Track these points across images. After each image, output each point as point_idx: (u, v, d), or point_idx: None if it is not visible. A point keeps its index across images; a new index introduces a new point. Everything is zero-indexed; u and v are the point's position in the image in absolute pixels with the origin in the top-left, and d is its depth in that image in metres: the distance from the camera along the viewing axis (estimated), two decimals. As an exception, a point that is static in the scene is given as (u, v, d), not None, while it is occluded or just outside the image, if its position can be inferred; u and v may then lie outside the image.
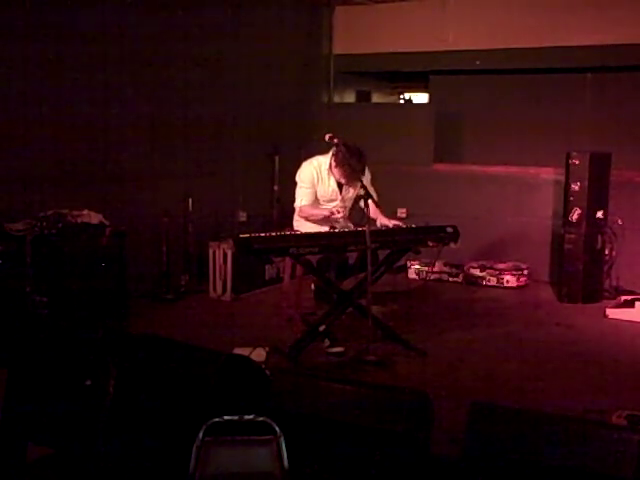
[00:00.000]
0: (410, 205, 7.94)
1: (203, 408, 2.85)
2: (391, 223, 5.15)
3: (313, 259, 5.05)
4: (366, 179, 5.15)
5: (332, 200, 5.28)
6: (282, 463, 2.63)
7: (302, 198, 5.21)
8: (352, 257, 5.24)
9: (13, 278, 4.90)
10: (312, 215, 5.20)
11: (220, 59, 7.24)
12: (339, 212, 5.05)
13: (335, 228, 5.09)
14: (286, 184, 6.04)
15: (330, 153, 5.20)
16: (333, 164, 5.15)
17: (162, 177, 6.68)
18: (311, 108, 8.49)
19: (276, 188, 7.85)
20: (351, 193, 5.30)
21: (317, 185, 5.21)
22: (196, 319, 6.05)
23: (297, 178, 5.27)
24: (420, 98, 10.37)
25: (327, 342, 5.19)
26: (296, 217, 5.35)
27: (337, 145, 5.07)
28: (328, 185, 5.23)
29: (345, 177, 5.13)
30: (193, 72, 6.92)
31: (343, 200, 5.31)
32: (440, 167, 8.08)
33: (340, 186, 5.26)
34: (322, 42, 8.72)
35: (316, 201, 5.27)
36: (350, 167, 5.00)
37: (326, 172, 5.21)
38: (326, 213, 5.12)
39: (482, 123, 8.24)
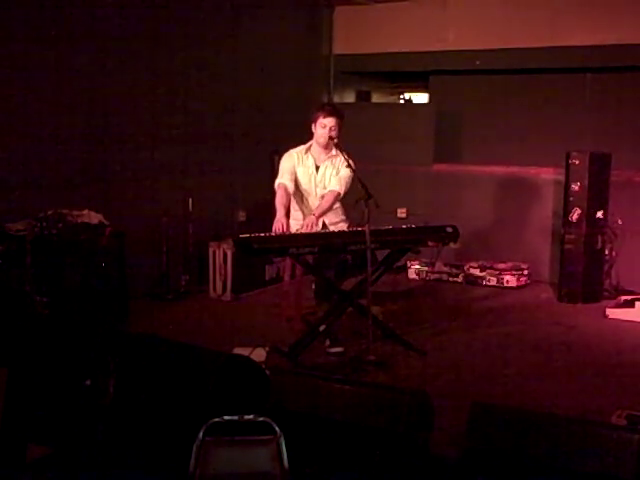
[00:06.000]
0: (410, 205, 7.94)
1: (203, 408, 2.85)
2: (316, 213, 5.10)
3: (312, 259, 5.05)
4: (345, 172, 5.16)
5: (310, 182, 5.27)
6: (282, 463, 2.64)
7: (282, 174, 5.22)
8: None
9: (13, 278, 4.90)
10: (276, 204, 5.18)
11: (220, 59, 7.24)
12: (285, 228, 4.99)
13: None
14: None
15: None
16: (321, 120, 5.13)
17: (162, 177, 6.68)
18: (311, 108, 8.45)
19: (276, 188, 7.84)
20: (328, 174, 5.24)
21: (297, 167, 5.22)
22: (196, 319, 6.05)
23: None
24: (420, 98, 10.36)
25: (328, 342, 5.19)
26: (292, 215, 5.35)
27: (337, 145, 5.12)
28: (307, 167, 5.24)
29: (336, 122, 5.12)
30: (193, 72, 6.92)
31: (316, 184, 5.27)
32: (440, 167, 8.07)
33: (317, 168, 5.26)
34: (322, 42, 8.72)
35: (296, 186, 5.25)
36: (338, 113, 5.15)
37: (304, 152, 5.24)
38: (279, 220, 5.03)
39: (482, 123, 8.24)
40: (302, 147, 5.29)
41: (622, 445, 2.49)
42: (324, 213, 5.13)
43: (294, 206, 5.32)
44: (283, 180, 5.17)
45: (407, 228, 5.29)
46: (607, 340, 5.67)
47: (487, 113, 8.23)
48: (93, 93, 6.03)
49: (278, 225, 4.92)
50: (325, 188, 5.21)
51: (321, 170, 5.23)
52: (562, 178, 6.85)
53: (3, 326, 4.63)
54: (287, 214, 5.12)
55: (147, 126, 6.57)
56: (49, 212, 5.24)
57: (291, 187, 5.17)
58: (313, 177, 5.23)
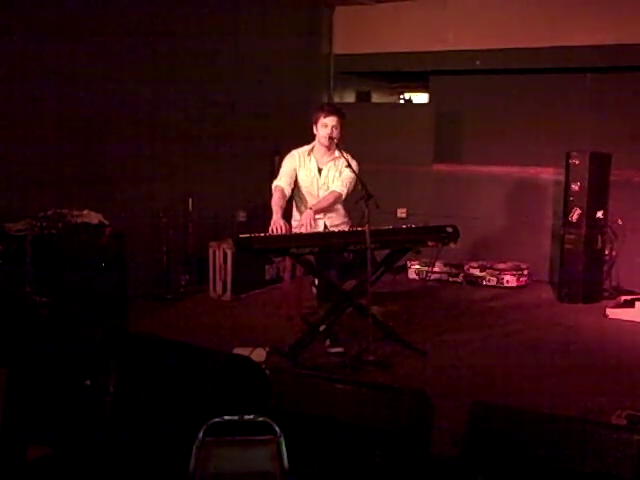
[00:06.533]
0: (410, 205, 7.95)
1: (203, 408, 2.85)
2: (313, 208, 5.07)
3: (313, 259, 5.05)
4: (347, 173, 5.14)
5: (312, 184, 5.25)
6: (282, 463, 2.63)
7: (281, 177, 5.20)
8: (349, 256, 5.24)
9: (13, 278, 4.90)
10: (272, 206, 5.13)
11: (220, 59, 7.24)
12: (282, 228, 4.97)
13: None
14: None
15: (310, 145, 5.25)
16: (322, 119, 5.09)
17: (162, 177, 6.68)
18: (311, 108, 8.44)
19: (276, 188, 7.84)
20: (331, 176, 5.23)
21: (299, 169, 5.20)
22: (196, 319, 6.06)
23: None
24: (420, 98, 10.37)
25: (328, 342, 5.20)
26: (293, 216, 5.34)
27: (337, 146, 5.11)
28: (309, 170, 5.21)
29: (337, 121, 5.09)
30: (193, 72, 6.92)
31: (319, 187, 5.25)
32: (440, 167, 8.08)
33: (320, 171, 5.24)
34: (322, 42, 8.72)
35: (298, 188, 5.23)
36: (339, 112, 5.11)
37: (306, 153, 5.20)
38: (276, 221, 4.98)
39: (482, 123, 8.23)
40: (305, 148, 5.26)
41: (622, 445, 2.48)
42: (322, 209, 5.11)
43: (295, 207, 5.32)
44: (281, 183, 5.15)
45: (407, 228, 5.29)
46: (607, 340, 5.68)
47: (487, 113, 8.22)
48: (93, 93, 6.03)
49: (275, 227, 4.91)
50: (328, 190, 5.20)
51: (324, 172, 5.21)
52: (562, 178, 6.85)
53: (3, 326, 4.64)
54: (284, 215, 5.10)
55: (147, 126, 6.57)
56: (49, 212, 5.24)
57: (288, 190, 5.16)
58: (315, 179, 5.21)
